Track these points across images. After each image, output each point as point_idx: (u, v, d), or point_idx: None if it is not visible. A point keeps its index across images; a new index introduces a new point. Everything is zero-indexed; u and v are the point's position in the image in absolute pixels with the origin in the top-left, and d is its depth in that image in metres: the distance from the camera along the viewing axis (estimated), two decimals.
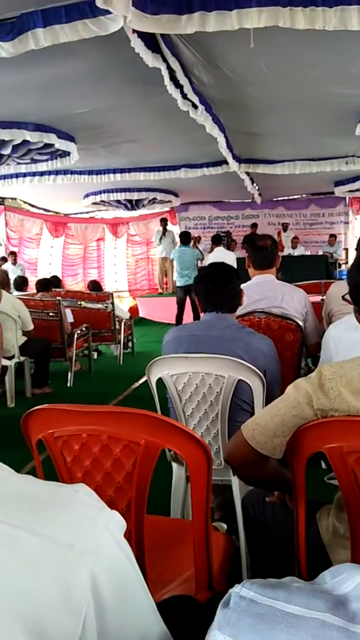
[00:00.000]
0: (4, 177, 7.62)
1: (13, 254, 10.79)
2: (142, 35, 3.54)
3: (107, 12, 3.15)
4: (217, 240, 8.98)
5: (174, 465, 2.09)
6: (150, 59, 3.75)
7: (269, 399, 1.90)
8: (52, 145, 5.97)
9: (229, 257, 8.22)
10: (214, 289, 2.09)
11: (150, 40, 3.70)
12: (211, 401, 1.93)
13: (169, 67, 3.99)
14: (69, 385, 5.59)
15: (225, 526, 2.23)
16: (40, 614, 0.45)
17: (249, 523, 1.58)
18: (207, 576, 1.27)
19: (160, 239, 11.50)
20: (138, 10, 3.10)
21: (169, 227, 11.88)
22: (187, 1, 3.20)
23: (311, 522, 1.31)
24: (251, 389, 1.88)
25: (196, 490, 1.21)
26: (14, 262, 10.60)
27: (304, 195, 12.43)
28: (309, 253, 11.38)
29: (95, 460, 1.21)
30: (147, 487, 1.18)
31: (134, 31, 3.45)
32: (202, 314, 2.17)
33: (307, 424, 1.11)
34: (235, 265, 7.67)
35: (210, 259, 8.62)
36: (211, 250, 11.78)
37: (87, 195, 10.46)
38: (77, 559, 0.49)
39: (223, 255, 8.31)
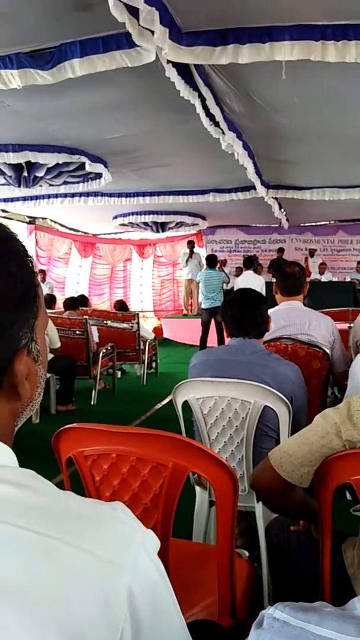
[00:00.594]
0: (37, 197, 7.83)
1: (42, 272, 11.01)
2: (176, 65, 3.65)
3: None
4: (248, 264, 8.97)
5: (197, 489, 2.09)
6: (183, 89, 3.86)
7: (295, 426, 1.90)
8: (83, 168, 6.13)
9: (258, 282, 8.22)
10: (242, 315, 2.11)
11: (183, 70, 3.81)
12: (237, 426, 1.93)
13: (200, 96, 4.09)
14: (92, 403, 5.64)
15: (247, 553, 2.20)
16: (79, 625, 0.47)
17: (272, 551, 1.57)
18: (230, 602, 1.27)
19: (187, 261, 11.60)
20: (174, 43, 3.21)
21: (196, 249, 11.98)
22: (221, 34, 3.30)
23: (336, 553, 1.30)
24: (277, 415, 1.88)
25: (222, 515, 1.22)
26: (43, 280, 10.80)
27: (331, 222, 12.41)
28: (336, 279, 11.32)
29: (124, 481, 1.24)
30: (174, 509, 1.20)
31: (169, 61, 3.56)
32: (228, 339, 2.19)
33: (335, 454, 1.12)
34: (264, 290, 7.71)
35: (239, 281, 8.64)
36: (239, 274, 11.89)
37: (115, 217, 10.65)
38: (115, 573, 0.50)
39: (252, 279, 8.32)
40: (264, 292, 7.53)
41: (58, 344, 4.96)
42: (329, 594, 1.24)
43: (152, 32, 2.88)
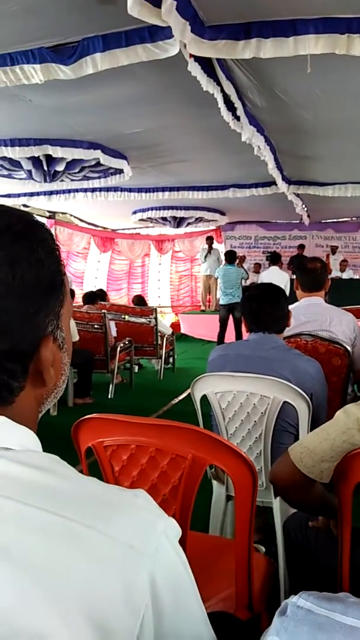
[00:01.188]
0: (57, 192, 7.88)
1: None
2: (198, 59, 3.63)
3: (166, 37, 3.25)
4: (275, 259, 8.88)
5: (215, 483, 2.09)
6: (205, 83, 3.84)
7: (314, 423, 1.89)
8: (104, 163, 6.15)
9: (282, 278, 8.16)
10: (262, 310, 2.10)
11: (205, 64, 3.79)
12: (255, 421, 1.93)
13: (222, 90, 4.07)
14: (109, 397, 5.67)
15: (264, 549, 2.19)
16: (103, 609, 0.47)
17: (290, 547, 1.56)
18: (247, 596, 1.27)
19: (206, 256, 11.58)
20: (196, 36, 3.19)
21: (214, 245, 11.95)
22: (244, 27, 3.27)
23: (356, 550, 1.29)
24: (297, 411, 1.87)
25: (241, 508, 1.22)
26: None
27: (353, 219, 12.26)
28: (357, 277, 11.20)
29: (143, 471, 1.24)
30: (192, 501, 1.20)
31: (191, 55, 3.54)
32: (247, 334, 2.18)
33: (357, 450, 1.11)
34: (288, 286, 7.65)
35: (263, 277, 8.59)
36: (257, 270, 11.82)
37: (135, 212, 10.68)
38: (137, 559, 0.50)
39: (277, 275, 8.25)
40: (287, 289, 7.47)
41: (77, 338, 5.00)
42: (347, 591, 1.23)
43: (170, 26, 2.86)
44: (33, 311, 0.59)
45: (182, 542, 1.20)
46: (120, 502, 0.56)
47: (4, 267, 0.56)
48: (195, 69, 3.71)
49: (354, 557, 1.26)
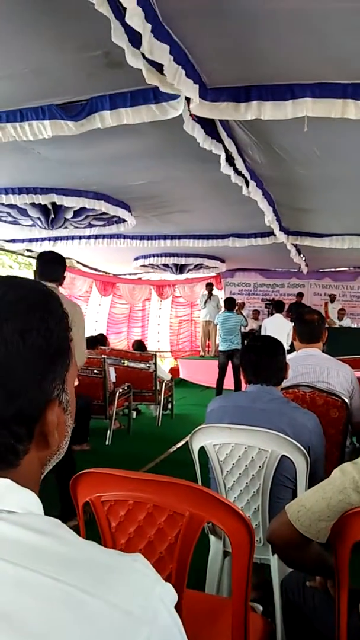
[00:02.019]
0: (61, 238, 8.05)
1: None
2: (200, 118, 3.80)
3: (170, 98, 3.42)
4: (279, 307, 8.96)
5: (212, 538, 2.06)
6: (203, 141, 3.99)
7: (312, 476, 1.89)
8: (108, 212, 6.32)
9: (286, 326, 8.21)
10: (260, 362, 2.13)
11: (207, 123, 3.96)
12: (253, 475, 1.92)
13: (224, 147, 4.23)
14: (107, 443, 5.61)
15: (261, 607, 2.15)
16: None
17: (287, 607, 1.53)
18: None
19: (205, 302, 11.70)
20: (200, 98, 3.35)
21: (214, 291, 12.09)
22: (244, 90, 3.44)
23: (353, 612, 1.27)
24: (294, 465, 1.87)
25: (238, 568, 1.21)
26: None
27: (351, 268, 12.46)
28: (355, 325, 11.27)
29: (139, 528, 1.24)
30: (189, 560, 1.19)
31: (192, 116, 3.71)
32: (246, 386, 2.20)
33: (353, 509, 1.11)
34: (291, 334, 7.67)
35: (267, 324, 8.63)
36: (256, 317, 11.91)
37: (137, 258, 10.85)
38: (135, 626, 0.51)
39: (281, 323, 8.31)
40: (291, 336, 7.49)
41: (76, 383, 4.98)
42: None
43: (178, 88, 3.02)
44: (41, 377, 0.62)
45: (179, 602, 1.19)
46: (119, 567, 0.56)
47: (16, 335, 0.60)
48: (193, 128, 3.86)
49: (351, 618, 1.24)
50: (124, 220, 6.77)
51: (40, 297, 0.66)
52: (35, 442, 0.63)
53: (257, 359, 2.14)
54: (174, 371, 10.45)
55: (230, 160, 4.38)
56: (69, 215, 6.13)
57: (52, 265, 3.47)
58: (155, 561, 1.21)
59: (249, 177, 4.92)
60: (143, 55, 2.60)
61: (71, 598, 0.50)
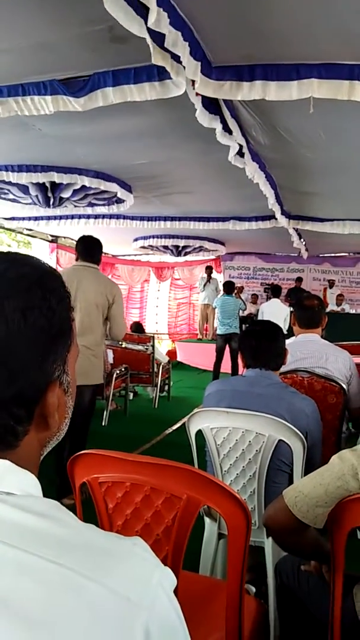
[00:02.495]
0: (61, 217, 7.98)
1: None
2: (204, 97, 3.73)
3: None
4: (276, 292, 9.00)
5: (207, 520, 2.07)
6: (207, 120, 3.93)
7: (309, 461, 1.89)
8: (109, 191, 6.25)
9: (283, 311, 8.22)
10: (259, 346, 2.12)
11: (210, 102, 3.89)
12: (250, 459, 1.93)
13: (227, 128, 4.17)
14: (103, 424, 5.64)
15: (254, 589, 2.17)
16: None
17: (281, 590, 1.55)
18: (237, 639, 1.26)
19: (204, 285, 11.67)
20: (204, 76, 3.29)
21: (213, 274, 12.06)
22: (249, 69, 3.37)
23: (347, 597, 1.28)
24: (291, 450, 1.87)
25: (233, 550, 1.21)
26: None
27: (351, 254, 12.41)
28: (353, 311, 11.28)
29: (136, 510, 1.24)
30: (185, 542, 1.19)
31: (197, 94, 3.64)
32: (244, 370, 2.20)
33: (351, 496, 1.11)
34: (288, 319, 7.70)
35: (264, 308, 8.65)
36: (255, 301, 11.90)
37: (136, 239, 10.78)
38: (133, 611, 0.51)
39: (278, 308, 8.32)
40: (287, 321, 7.54)
41: None
42: (338, 639, 1.22)
43: (184, 66, 2.96)
44: (42, 357, 0.60)
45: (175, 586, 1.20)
46: (119, 551, 0.56)
47: (17, 313, 0.58)
48: (199, 107, 3.80)
49: (345, 602, 1.25)
50: (124, 200, 6.70)
51: (42, 275, 0.64)
52: (35, 423, 0.62)
53: (257, 344, 2.13)
54: (172, 354, 10.46)
55: (229, 133, 4.29)
56: (69, 193, 6.06)
57: (92, 248, 3.72)
58: (152, 543, 1.21)
59: (250, 159, 4.85)
60: (149, 32, 2.54)
61: (70, 582, 0.50)
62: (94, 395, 3.59)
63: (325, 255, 12.55)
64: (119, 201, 6.78)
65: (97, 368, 3.51)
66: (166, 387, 7.52)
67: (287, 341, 2.44)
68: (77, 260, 3.71)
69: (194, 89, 3.44)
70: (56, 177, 5.71)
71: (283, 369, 2.34)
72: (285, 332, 4.65)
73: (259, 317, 8.57)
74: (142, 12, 2.47)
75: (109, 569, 0.52)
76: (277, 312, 8.01)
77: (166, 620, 0.54)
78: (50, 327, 0.61)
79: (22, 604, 0.47)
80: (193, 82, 3.37)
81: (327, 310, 9.74)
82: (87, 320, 3.36)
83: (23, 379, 0.59)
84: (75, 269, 3.64)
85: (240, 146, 4.44)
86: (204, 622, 1.40)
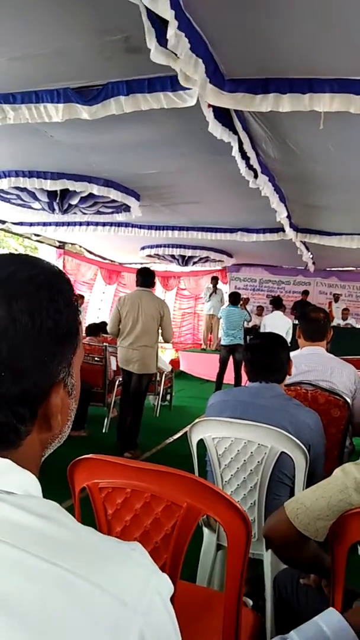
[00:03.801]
0: (69, 224, 8.02)
1: (81, 297, 11.37)
2: (216, 110, 3.77)
3: (187, 87, 3.38)
4: (277, 304, 8.99)
5: (205, 530, 2.06)
6: (219, 132, 3.96)
7: (311, 475, 1.88)
8: (117, 200, 6.29)
9: (285, 323, 8.20)
10: (263, 359, 2.12)
11: (222, 114, 3.92)
12: (251, 470, 1.91)
13: (238, 139, 4.19)
14: (104, 431, 5.62)
15: (251, 602, 2.15)
16: None
17: (280, 604, 1.53)
18: None
19: (210, 296, 11.67)
20: (216, 88, 3.32)
21: (219, 285, 12.07)
22: (262, 82, 3.40)
23: (346, 612, 1.26)
24: (294, 462, 1.86)
25: (233, 561, 1.20)
26: (80, 304, 11.14)
27: (358, 268, 12.41)
28: (359, 326, 11.24)
29: (136, 517, 1.23)
30: (184, 551, 1.18)
31: (210, 106, 3.67)
32: (248, 383, 2.19)
33: (353, 510, 1.10)
34: (290, 331, 7.68)
35: (267, 321, 8.63)
36: (260, 313, 11.89)
37: (143, 248, 10.82)
38: (129, 615, 0.50)
39: (280, 320, 8.31)
40: (290, 334, 7.53)
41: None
42: None
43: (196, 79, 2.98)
44: (47, 358, 0.61)
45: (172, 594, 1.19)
46: (117, 555, 0.56)
47: (25, 315, 0.59)
48: (211, 121, 3.82)
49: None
50: (132, 209, 6.74)
51: (51, 277, 0.64)
52: (37, 423, 0.62)
53: (260, 357, 2.13)
54: (175, 363, 10.45)
55: (242, 152, 4.34)
56: (77, 200, 6.10)
57: (148, 278, 5.06)
58: (151, 551, 1.20)
59: (260, 172, 4.88)
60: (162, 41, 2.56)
61: (67, 583, 0.49)
62: (149, 381, 5.01)
63: (332, 269, 12.55)
64: (127, 209, 6.81)
65: (153, 362, 4.87)
66: (168, 396, 7.50)
67: (292, 353, 2.43)
68: (137, 286, 5.01)
69: (206, 100, 3.47)
70: (67, 185, 5.75)
71: (287, 381, 2.33)
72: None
73: (261, 330, 8.55)
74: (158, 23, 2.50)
75: (106, 572, 0.52)
76: (279, 324, 8.00)
77: (161, 627, 0.54)
78: (57, 328, 0.61)
79: (19, 604, 0.47)
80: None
81: (333, 324, 9.72)
82: (146, 327, 4.74)
83: (28, 379, 0.59)
84: (137, 292, 4.96)
85: (248, 158, 4.46)
86: (200, 632, 1.38)
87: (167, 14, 2.27)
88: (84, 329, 6.99)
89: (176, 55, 2.80)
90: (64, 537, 0.55)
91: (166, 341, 5.21)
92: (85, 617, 0.48)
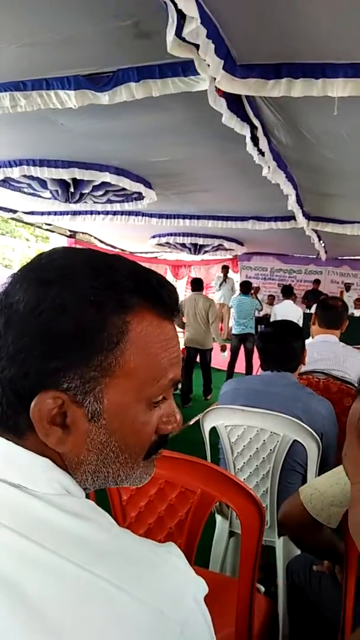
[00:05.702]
0: (80, 213, 8.02)
1: None
2: (227, 97, 3.72)
3: (198, 72, 3.35)
4: (288, 293, 8.94)
5: (218, 517, 2.07)
6: (227, 119, 3.91)
7: (323, 463, 1.88)
8: (128, 188, 6.27)
9: (296, 312, 8.16)
10: (276, 348, 2.11)
11: (235, 101, 3.87)
12: (263, 458, 1.92)
13: (251, 125, 4.15)
14: None
15: (263, 589, 2.16)
16: None
17: (292, 590, 1.54)
18: (247, 637, 1.25)
19: (220, 285, 11.63)
20: (228, 74, 3.28)
21: (230, 274, 12.01)
22: (274, 68, 3.35)
23: (359, 598, 1.27)
24: (306, 451, 1.86)
25: (246, 548, 1.21)
26: None
27: None
28: None
29: (150, 503, 1.24)
30: (198, 537, 1.19)
31: (220, 92, 3.63)
32: (258, 369, 2.19)
33: None
34: (301, 320, 7.64)
35: (277, 310, 8.59)
36: (271, 302, 11.84)
37: (154, 237, 10.79)
38: (167, 625, 0.50)
39: (291, 309, 8.27)
40: (300, 324, 7.48)
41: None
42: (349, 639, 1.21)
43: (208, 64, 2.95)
44: (41, 355, 0.56)
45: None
46: (154, 560, 0.54)
47: (31, 300, 0.57)
48: (221, 106, 3.78)
49: (357, 605, 1.24)
50: (143, 197, 6.71)
51: (73, 270, 0.59)
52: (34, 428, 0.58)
53: (274, 346, 2.12)
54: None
55: (254, 140, 4.29)
56: (88, 189, 6.09)
57: (199, 285, 7.28)
58: (165, 536, 1.21)
59: (271, 159, 4.82)
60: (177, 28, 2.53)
61: (101, 592, 0.49)
62: (210, 354, 7.17)
63: (344, 257, 12.42)
64: (139, 198, 6.79)
65: (209, 340, 6.99)
66: (179, 385, 7.52)
67: (306, 342, 2.42)
68: (192, 291, 7.25)
69: (216, 86, 3.43)
70: (77, 173, 5.74)
71: (301, 369, 2.32)
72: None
73: (272, 319, 8.51)
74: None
75: (143, 580, 0.51)
76: (290, 313, 7.95)
77: (199, 634, 0.54)
78: (53, 324, 0.56)
79: (57, 614, 0.47)
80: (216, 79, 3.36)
81: None
82: (200, 321, 6.88)
83: (20, 367, 0.56)
84: (193, 295, 7.14)
85: (258, 141, 4.41)
86: (213, 618, 1.39)
87: (193, 10, 2.25)
88: None
89: (191, 44, 2.78)
90: (100, 540, 0.53)
91: (213, 332, 6.94)
92: (119, 627, 0.48)
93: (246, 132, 4.10)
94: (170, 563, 0.55)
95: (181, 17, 2.41)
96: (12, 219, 9.14)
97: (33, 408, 0.56)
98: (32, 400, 0.56)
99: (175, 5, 2.33)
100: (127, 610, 0.48)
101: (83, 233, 11.69)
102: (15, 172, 5.75)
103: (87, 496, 0.63)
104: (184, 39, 2.69)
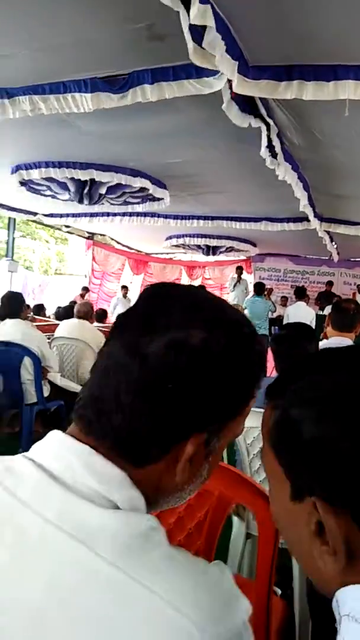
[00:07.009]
0: (97, 214, 8.08)
1: (125, 287, 11.44)
2: (240, 98, 3.73)
3: (211, 74, 3.36)
4: (301, 294, 8.86)
5: (235, 519, 2.07)
6: (241, 122, 3.91)
7: None
8: (144, 189, 6.31)
9: (308, 314, 8.10)
10: (288, 351, 2.11)
11: (247, 102, 3.88)
12: None
13: (265, 126, 4.16)
14: None
15: (279, 591, 2.16)
16: None
17: (312, 595, 1.54)
18: (264, 638, 1.26)
19: (234, 286, 11.61)
20: (241, 75, 3.28)
21: (244, 275, 11.99)
22: (286, 70, 3.36)
23: None
24: None
25: (263, 550, 1.21)
26: (125, 296, 11.44)
27: None
28: None
29: None
30: (217, 538, 1.20)
31: (233, 93, 3.63)
32: (274, 373, 2.19)
33: None
34: (314, 322, 7.59)
35: (290, 311, 8.54)
36: (284, 303, 11.78)
37: (169, 238, 10.82)
38: None
39: (304, 311, 8.21)
40: (313, 325, 7.44)
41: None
42: None
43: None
44: (201, 404, 0.60)
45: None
46: (208, 583, 0.55)
47: (214, 352, 0.61)
48: (232, 109, 3.79)
49: None
50: (159, 198, 6.74)
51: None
52: (166, 461, 0.61)
53: (287, 348, 2.12)
54: None
55: (268, 142, 4.29)
56: (104, 190, 6.14)
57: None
58: (185, 537, 1.22)
59: (283, 160, 4.82)
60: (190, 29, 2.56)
61: (161, 613, 0.50)
62: None
63: (357, 259, 12.33)
64: (154, 199, 6.82)
65: None
66: None
67: (320, 344, 2.42)
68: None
69: (230, 88, 3.45)
70: (95, 175, 5.80)
71: None
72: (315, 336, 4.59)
73: (285, 321, 8.47)
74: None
75: (198, 601, 0.52)
76: (303, 315, 7.90)
77: None
78: (236, 385, 0.62)
79: (109, 626, 0.48)
80: (229, 82, 3.37)
81: None
82: None
83: (178, 409, 0.58)
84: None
85: (273, 146, 4.42)
86: None
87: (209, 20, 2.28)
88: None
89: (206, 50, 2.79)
90: (159, 558, 0.54)
91: None
92: None
93: (262, 131, 4.11)
94: (223, 585, 0.56)
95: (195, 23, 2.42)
96: (32, 221, 9.25)
97: (188, 448, 0.59)
98: (180, 439, 0.59)
99: (187, 10, 2.36)
100: (177, 629, 0.49)
101: (101, 235, 11.79)
102: (34, 174, 5.84)
103: None
104: (201, 45, 2.71)
